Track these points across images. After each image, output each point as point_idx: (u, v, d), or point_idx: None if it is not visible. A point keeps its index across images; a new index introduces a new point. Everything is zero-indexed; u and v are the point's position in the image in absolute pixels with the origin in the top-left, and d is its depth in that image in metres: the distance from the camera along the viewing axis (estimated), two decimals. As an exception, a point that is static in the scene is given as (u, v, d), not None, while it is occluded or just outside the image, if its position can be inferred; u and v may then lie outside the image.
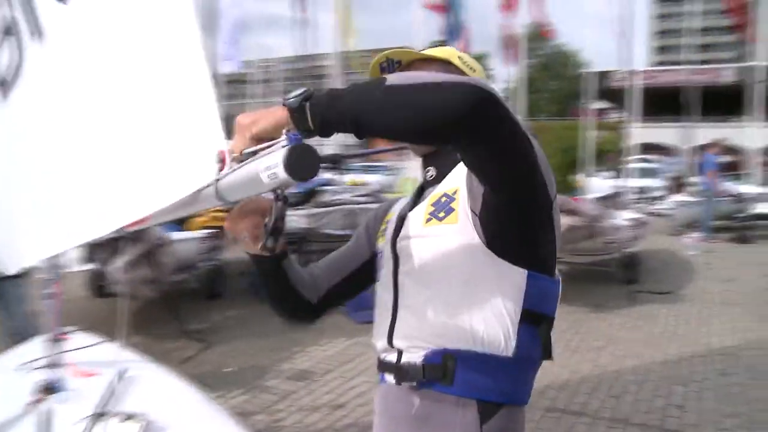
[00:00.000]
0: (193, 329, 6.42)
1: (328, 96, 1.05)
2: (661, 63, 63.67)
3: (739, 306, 7.80)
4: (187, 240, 7.06)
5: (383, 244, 1.53)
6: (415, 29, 23.63)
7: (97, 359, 2.25)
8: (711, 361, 5.76)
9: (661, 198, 17.72)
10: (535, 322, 1.33)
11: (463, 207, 1.33)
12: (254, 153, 1.04)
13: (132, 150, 1.23)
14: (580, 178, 15.54)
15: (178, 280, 6.87)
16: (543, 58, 50.67)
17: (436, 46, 1.51)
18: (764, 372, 5.42)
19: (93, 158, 1.30)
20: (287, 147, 0.92)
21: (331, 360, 5.70)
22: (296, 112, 1.04)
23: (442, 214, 1.36)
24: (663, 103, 32.01)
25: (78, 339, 2.42)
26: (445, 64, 1.46)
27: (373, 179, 25.46)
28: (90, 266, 6.47)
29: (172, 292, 6.59)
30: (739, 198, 14.04)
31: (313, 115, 1.03)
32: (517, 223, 1.28)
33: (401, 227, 1.45)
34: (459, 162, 1.39)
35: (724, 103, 31.42)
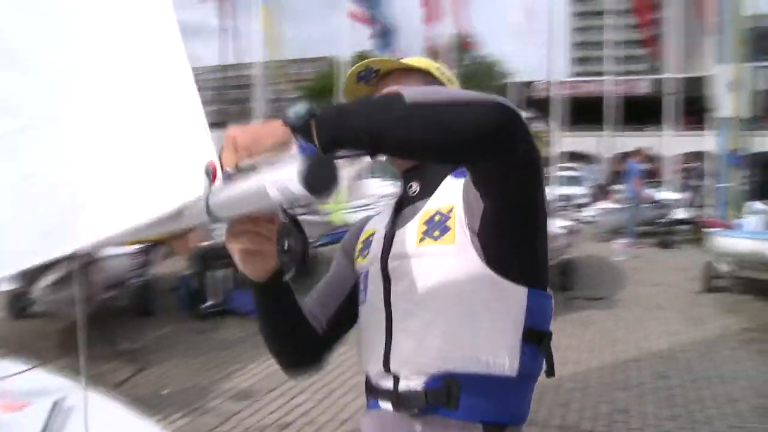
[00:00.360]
0: (125, 350, 6.13)
1: (337, 113, 0.98)
2: (582, 74, 65.86)
3: (670, 309, 8.05)
4: (116, 256, 6.76)
5: (366, 264, 1.44)
6: (342, 38, 23.88)
7: (27, 388, 2.06)
8: (649, 364, 5.90)
9: (585, 205, 18.20)
10: (536, 340, 1.29)
11: (460, 226, 1.27)
12: (252, 166, 0.94)
13: (112, 160, 1.12)
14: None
15: (107, 297, 6.61)
16: (466, 69, 51.57)
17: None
18: (700, 373, 5.58)
19: (71, 169, 1.18)
20: (303, 158, 0.84)
21: (273, 378, 5.51)
22: (300, 131, 0.94)
23: (437, 233, 1.30)
24: (584, 112, 33.00)
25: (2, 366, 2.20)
26: (425, 75, 1.43)
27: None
28: (8, 286, 6.11)
29: (101, 310, 6.29)
30: (661, 204, 14.58)
31: (321, 134, 0.95)
32: (520, 240, 1.25)
33: (390, 246, 1.37)
34: (444, 177, 1.37)
35: (641, 112, 32.61)
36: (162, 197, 1.03)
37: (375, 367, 1.36)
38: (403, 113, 0.99)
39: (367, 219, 1.60)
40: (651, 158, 19.12)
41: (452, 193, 1.32)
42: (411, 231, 1.34)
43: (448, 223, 1.29)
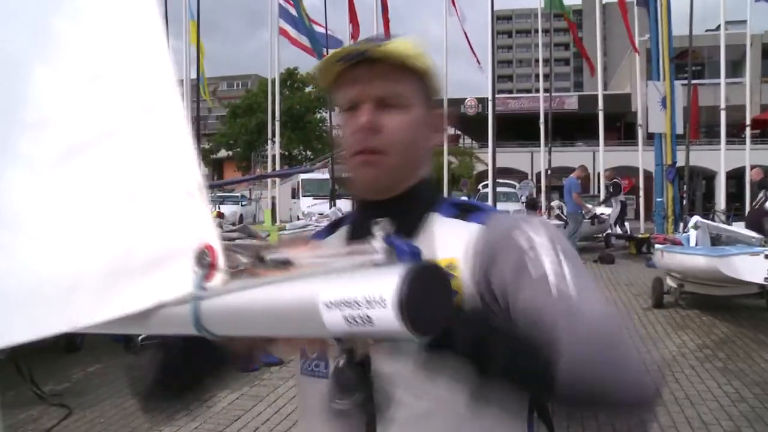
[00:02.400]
0: (51, 392, 5.53)
1: (483, 325, 0.87)
2: (506, 91, 67.60)
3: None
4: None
5: None
6: (271, 56, 23.54)
7: None
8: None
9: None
10: (540, 409, 1.13)
11: (468, 292, 1.01)
12: (286, 263, 0.59)
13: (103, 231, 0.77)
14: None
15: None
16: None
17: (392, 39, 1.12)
18: (667, 395, 5.39)
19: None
20: (406, 270, 0.46)
21: (218, 418, 5.06)
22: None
23: None
24: (513, 129, 33.56)
25: None
26: (421, 79, 1.12)
27: (229, 210, 24.88)
28: None
29: (20, 347, 5.64)
30: (600, 219, 14.71)
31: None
32: None
33: None
34: (423, 214, 1.12)
35: (569, 128, 33.37)
36: (140, 288, 0.69)
37: None
38: (551, 384, 0.86)
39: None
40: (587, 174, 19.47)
41: (448, 241, 1.06)
42: None
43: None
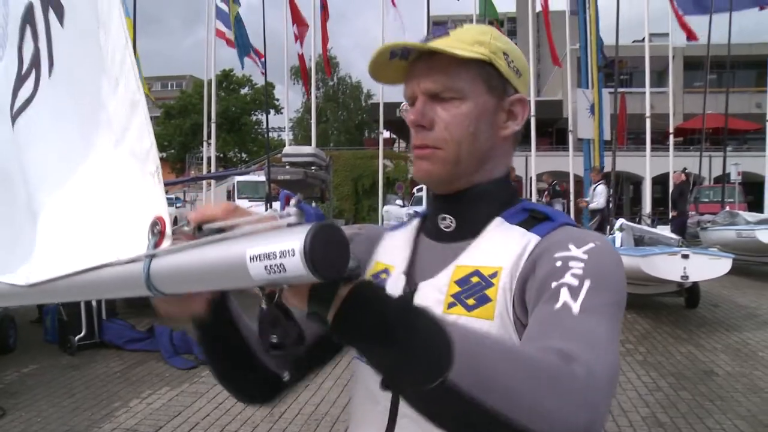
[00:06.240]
0: (-16, 393, 5.46)
1: (378, 307, 0.69)
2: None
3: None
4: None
5: None
6: (207, 56, 23.29)
7: None
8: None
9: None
10: None
11: (503, 301, 0.97)
12: (220, 230, 0.70)
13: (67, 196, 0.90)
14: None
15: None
16: (330, 89, 51.86)
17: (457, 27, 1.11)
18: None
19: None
20: (310, 226, 0.60)
21: (158, 414, 5.10)
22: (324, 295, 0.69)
23: (471, 302, 1.00)
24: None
25: None
26: (484, 66, 1.07)
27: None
28: None
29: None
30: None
31: (350, 311, 0.68)
32: None
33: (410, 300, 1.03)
34: (490, 216, 1.07)
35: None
36: (97, 247, 0.79)
37: None
38: (440, 394, 0.68)
39: (377, 238, 1.26)
40: (518, 178, 19.91)
41: (501, 249, 1.02)
42: (438, 290, 1.04)
43: (489, 292, 0.99)
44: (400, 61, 1.10)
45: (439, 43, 1.04)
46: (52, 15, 0.98)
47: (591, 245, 0.95)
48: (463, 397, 0.68)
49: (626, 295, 0.96)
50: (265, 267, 0.61)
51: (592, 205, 13.44)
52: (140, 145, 0.78)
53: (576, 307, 0.86)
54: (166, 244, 0.72)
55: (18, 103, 1.07)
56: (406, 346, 0.68)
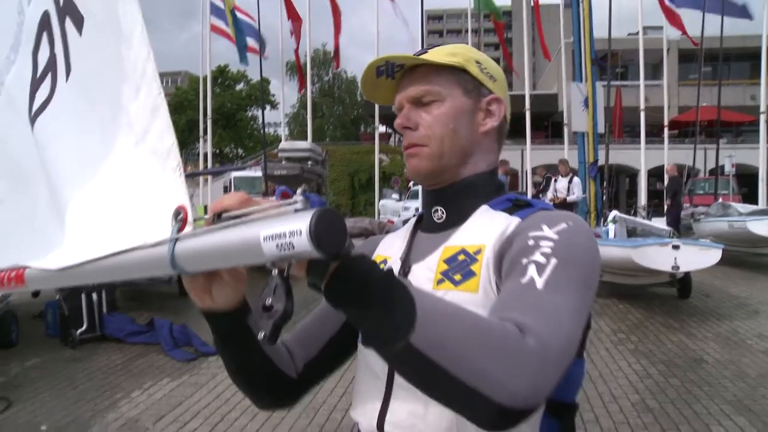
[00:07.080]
0: (-11, 385, 5.58)
1: (365, 277, 0.80)
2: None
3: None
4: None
5: None
6: (202, 52, 23.34)
7: None
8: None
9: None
10: (560, 413, 1.10)
11: (486, 275, 1.06)
12: (236, 217, 0.82)
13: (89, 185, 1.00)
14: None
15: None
16: (325, 84, 51.95)
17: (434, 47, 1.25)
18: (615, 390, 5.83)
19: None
20: (314, 211, 0.72)
21: (160, 404, 5.21)
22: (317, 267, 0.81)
23: (458, 277, 1.09)
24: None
25: None
26: (460, 73, 1.21)
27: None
28: None
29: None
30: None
31: (339, 281, 0.80)
32: None
33: None
34: (477, 205, 1.19)
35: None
36: (123, 234, 0.89)
37: (366, 422, 1.18)
38: (404, 351, 0.79)
39: (377, 241, 1.39)
40: (514, 171, 20.01)
41: (485, 229, 1.12)
42: (428, 268, 1.15)
43: (474, 267, 1.08)
44: (387, 80, 1.25)
45: (420, 58, 1.19)
46: (69, 24, 1.08)
47: (563, 225, 1.03)
48: (422, 357, 0.79)
49: (597, 275, 1.03)
50: (277, 245, 0.72)
51: (571, 198, 13.55)
52: (161, 144, 0.89)
53: (540, 282, 0.93)
54: (188, 229, 0.83)
55: (36, 106, 1.18)
56: (379, 310, 0.78)
